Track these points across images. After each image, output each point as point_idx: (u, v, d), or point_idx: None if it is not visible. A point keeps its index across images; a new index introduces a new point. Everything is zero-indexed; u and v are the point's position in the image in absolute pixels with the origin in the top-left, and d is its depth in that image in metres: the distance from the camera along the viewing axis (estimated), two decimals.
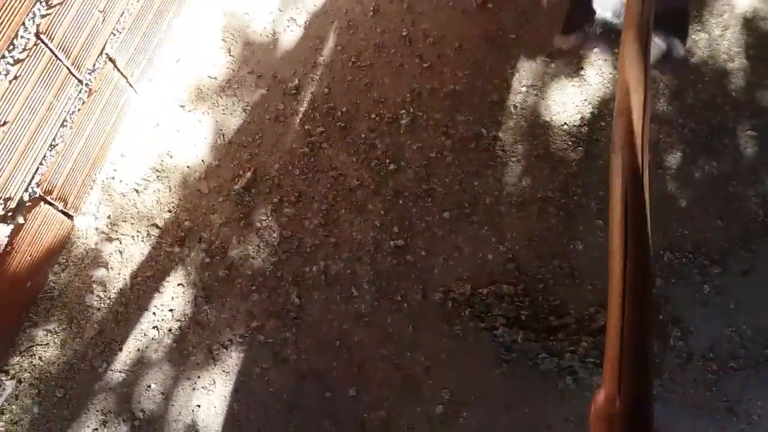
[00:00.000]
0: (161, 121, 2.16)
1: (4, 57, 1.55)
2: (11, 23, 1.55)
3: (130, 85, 2.11)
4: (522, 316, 1.90)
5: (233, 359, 1.91)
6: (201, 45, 2.26)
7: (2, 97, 1.58)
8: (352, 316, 1.95)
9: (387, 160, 2.12)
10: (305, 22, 2.29)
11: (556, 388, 1.87)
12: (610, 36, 2.02)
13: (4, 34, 1.53)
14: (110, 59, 1.96)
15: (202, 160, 2.13)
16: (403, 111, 2.17)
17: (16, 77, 1.60)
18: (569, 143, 2.13)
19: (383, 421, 1.84)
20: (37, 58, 1.66)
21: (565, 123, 2.15)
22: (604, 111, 2.16)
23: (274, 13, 2.31)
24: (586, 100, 2.17)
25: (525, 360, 1.87)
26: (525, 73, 2.22)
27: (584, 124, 2.15)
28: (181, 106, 2.18)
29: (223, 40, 2.27)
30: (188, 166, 2.12)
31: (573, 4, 2.14)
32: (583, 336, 1.86)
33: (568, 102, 2.18)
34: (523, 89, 2.20)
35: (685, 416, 1.85)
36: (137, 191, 2.08)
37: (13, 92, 1.62)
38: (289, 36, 2.28)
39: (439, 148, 2.13)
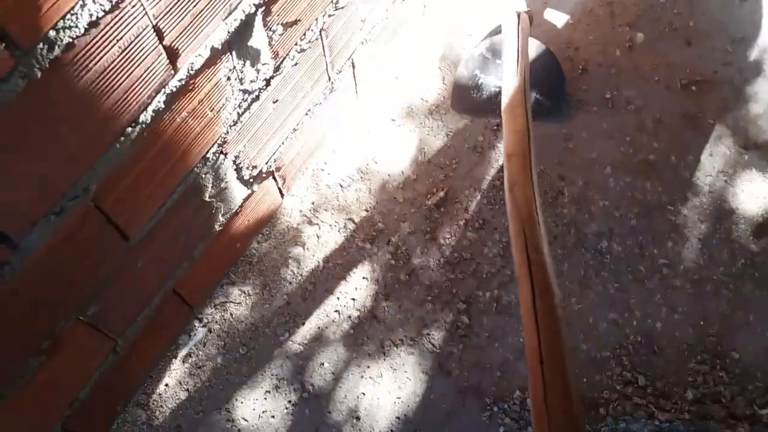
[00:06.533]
0: (373, 129, 2.36)
1: (296, 44, 1.77)
2: (309, 17, 1.76)
3: (356, 90, 2.31)
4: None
5: (401, 358, 2.03)
6: (419, 68, 2.46)
7: (283, 78, 1.79)
8: (517, 348, 2.04)
9: (573, 208, 2.23)
10: None
11: None
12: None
13: (302, 26, 1.75)
14: (353, 64, 2.17)
15: (402, 172, 2.30)
16: None
17: (296, 63, 1.82)
18: (751, 234, 2.19)
19: None
20: (314, 51, 1.88)
21: (749, 213, 2.21)
22: None
23: None
24: None
25: None
26: (718, 158, 2.30)
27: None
28: (392, 120, 2.37)
29: (439, 68, 2.46)
30: (389, 174, 2.29)
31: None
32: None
33: (756, 194, 2.24)
34: (714, 172, 2.28)
35: None
36: (341, 186, 2.27)
37: (290, 76, 1.83)
38: None
39: (626, 209, 2.22)
